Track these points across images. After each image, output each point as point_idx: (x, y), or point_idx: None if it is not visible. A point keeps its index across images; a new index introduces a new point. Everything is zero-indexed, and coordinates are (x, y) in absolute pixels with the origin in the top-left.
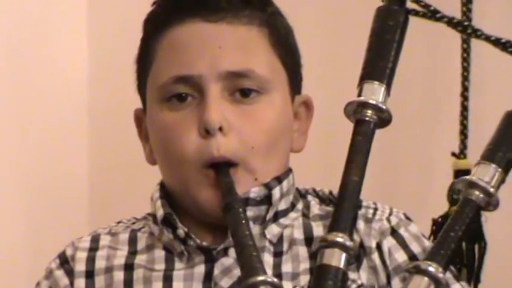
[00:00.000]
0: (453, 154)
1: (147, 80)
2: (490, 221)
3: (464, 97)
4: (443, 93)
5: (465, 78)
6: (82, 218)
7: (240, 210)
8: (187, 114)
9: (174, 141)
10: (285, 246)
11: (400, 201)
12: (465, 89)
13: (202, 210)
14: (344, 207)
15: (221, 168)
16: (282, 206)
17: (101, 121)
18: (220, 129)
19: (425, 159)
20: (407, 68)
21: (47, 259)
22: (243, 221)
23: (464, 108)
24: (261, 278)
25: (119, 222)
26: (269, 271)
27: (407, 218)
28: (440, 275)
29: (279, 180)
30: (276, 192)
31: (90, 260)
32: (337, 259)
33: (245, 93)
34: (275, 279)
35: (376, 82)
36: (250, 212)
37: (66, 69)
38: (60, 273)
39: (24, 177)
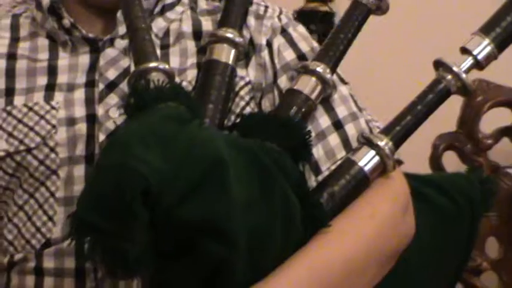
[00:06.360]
0: None
1: None
2: None
3: None
4: None
5: None
6: None
7: None
8: None
9: None
10: (172, 39)
11: None
12: None
13: None
14: (235, 2)
15: None
16: None
17: None
18: None
19: None
20: None
21: None
22: (137, 2)
23: None
24: (153, 64)
25: None
26: None
27: (296, 19)
28: (328, 76)
29: None
30: None
31: None
32: (226, 55)
33: None
34: (166, 66)
35: None
36: None
37: None
38: None
39: None
